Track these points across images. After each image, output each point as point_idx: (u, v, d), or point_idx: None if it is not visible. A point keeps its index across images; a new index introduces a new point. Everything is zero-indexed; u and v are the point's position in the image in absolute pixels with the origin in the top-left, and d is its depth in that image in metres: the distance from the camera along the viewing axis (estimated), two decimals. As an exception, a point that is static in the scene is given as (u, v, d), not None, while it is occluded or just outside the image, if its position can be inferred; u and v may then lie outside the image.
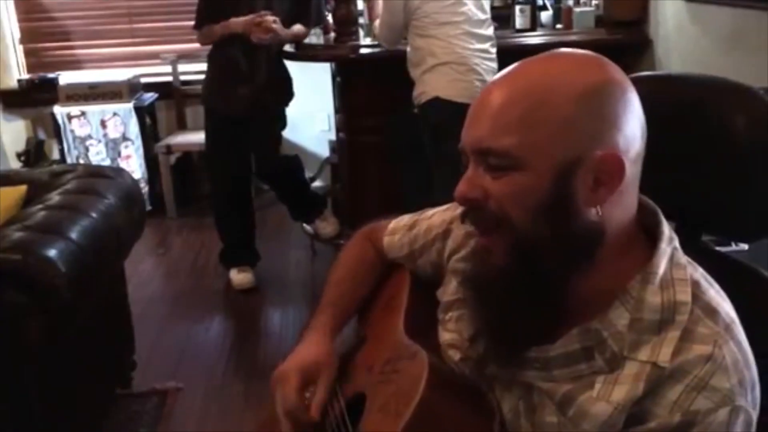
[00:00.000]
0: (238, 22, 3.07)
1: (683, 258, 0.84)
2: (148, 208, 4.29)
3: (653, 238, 0.84)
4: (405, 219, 1.18)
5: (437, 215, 1.11)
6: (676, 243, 0.85)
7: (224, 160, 3.32)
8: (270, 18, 3.05)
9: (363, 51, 3.31)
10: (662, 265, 0.81)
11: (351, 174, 3.48)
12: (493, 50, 2.94)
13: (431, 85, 2.86)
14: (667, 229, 0.85)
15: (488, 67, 2.88)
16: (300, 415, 1.01)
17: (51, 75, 4.47)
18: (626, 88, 0.82)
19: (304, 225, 3.67)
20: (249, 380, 2.70)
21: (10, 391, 1.67)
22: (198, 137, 4.24)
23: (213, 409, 2.52)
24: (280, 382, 1.03)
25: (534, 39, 3.38)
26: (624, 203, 0.83)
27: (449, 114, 2.82)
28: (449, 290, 1.01)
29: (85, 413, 2.10)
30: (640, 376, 0.77)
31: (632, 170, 0.81)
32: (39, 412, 1.75)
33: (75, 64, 4.64)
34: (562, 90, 0.80)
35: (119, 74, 4.39)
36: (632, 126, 0.81)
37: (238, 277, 3.39)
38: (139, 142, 4.30)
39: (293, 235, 3.87)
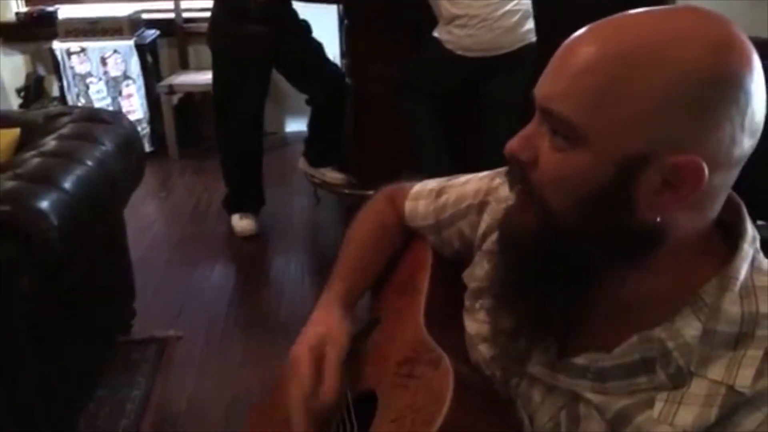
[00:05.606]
0: None
1: (765, 261, 0.72)
2: (150, 149, 4.23)
3: (732, 236, 0.72)
4: (431, 183, 1.04)
5: (472, 183, 0.98)
6: (758, 244, 0.72)
7: (235, 105, 3.17)
8: None
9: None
10: (743, 270, 0.69)
11: (355, 119, 3.34)
12: None
13: (454, 42, 2.76)
14: (750, 227, 0.72)
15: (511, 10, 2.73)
16: (316, 404, 0.87)
17: (50, 9, 4.33)
18: (748, 79, 0.63)
19: (309, 171, 3.55)
20: (249, 330, 2.68)
21: (2, 345, 1.63)
22: (201, 78, 4.14)
23: (212, 359, 2.50)
24: (292, 368, 0.90)
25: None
26: (702, 207, 0.69)
27: (470, 70, 2.78)
28: (480, 274, 0.89)
29: (84, 361, 2.08)
30: (713, 400, 0.65)
31: (722, 177, 0.67)
32: (31, 365, 1.72)
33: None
34: (660, 69, 0.63)
35: (119, 9, 4.24)
36: (741, 126, 0.64)
37: (241, 223, 3.33)
38: (140, 81, 4.20)
39: (296, 182, 3.80)
